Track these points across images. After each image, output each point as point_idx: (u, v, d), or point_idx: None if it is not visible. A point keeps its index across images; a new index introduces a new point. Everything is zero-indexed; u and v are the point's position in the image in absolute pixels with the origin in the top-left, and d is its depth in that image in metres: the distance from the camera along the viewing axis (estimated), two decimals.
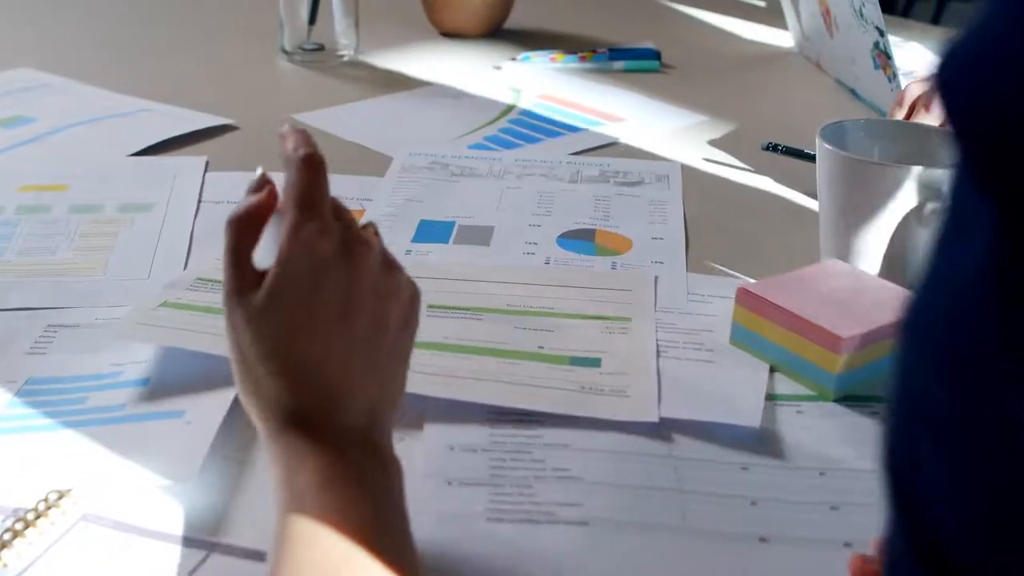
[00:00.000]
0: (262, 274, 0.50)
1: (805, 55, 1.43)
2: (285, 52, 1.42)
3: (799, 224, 0.97)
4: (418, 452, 0.65)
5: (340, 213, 0.52)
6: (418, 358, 0.74)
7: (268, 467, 0.50)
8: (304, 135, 0.53)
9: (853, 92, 1.29)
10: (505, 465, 0.64)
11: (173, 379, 0.70)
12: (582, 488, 0.62)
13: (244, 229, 0.52)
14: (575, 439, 0.66)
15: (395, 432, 0.68)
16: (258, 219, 0.52)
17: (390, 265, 0.54)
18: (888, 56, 1.14)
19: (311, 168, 0.51)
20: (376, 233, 0.55)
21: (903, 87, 1.01)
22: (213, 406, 0.67)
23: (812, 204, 0.99)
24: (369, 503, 0.48)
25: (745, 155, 1.13)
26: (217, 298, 0.78)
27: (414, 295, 0.55)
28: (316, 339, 0.50)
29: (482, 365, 0.73)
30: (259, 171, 0.54)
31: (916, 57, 1.34)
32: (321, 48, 1.42)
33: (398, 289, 0.53)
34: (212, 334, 0.72)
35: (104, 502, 0.60)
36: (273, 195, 0.53)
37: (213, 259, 0.88)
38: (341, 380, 0.50)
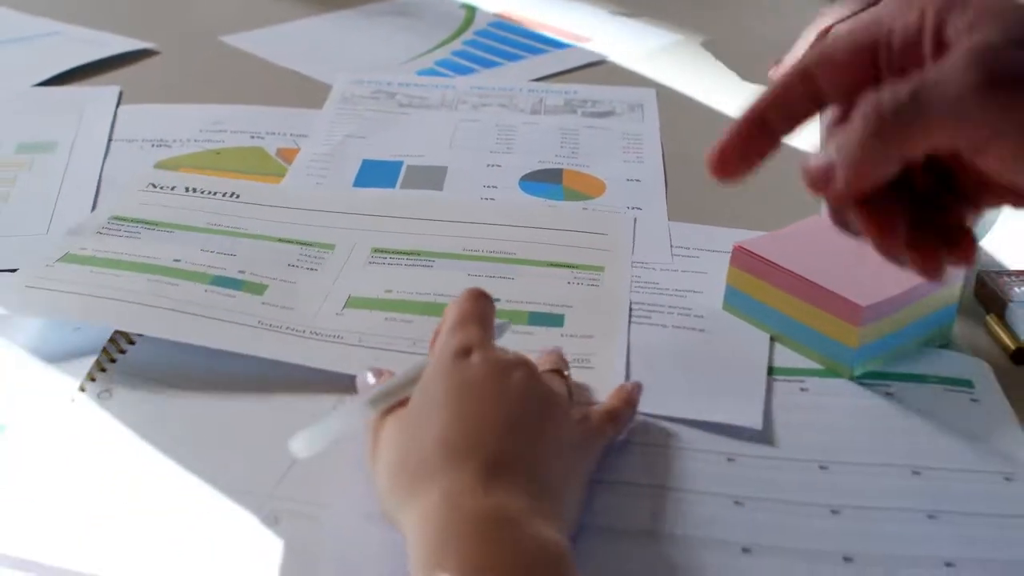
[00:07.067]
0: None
1: None
2: None
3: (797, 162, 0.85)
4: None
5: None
6: (343, 322, 0.62)
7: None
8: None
9: None
10: None
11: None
12: None
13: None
14: None
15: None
16: None
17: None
18: None
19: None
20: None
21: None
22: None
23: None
24: None
25: (729, 79, 1.01)
26: (133, 247, 0.66)
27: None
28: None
29: (423, 330, 0.60)
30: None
31: None
32: None
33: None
34: (116, 300, 0.61)
35: None
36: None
37: (137, 191, 0.76)
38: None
